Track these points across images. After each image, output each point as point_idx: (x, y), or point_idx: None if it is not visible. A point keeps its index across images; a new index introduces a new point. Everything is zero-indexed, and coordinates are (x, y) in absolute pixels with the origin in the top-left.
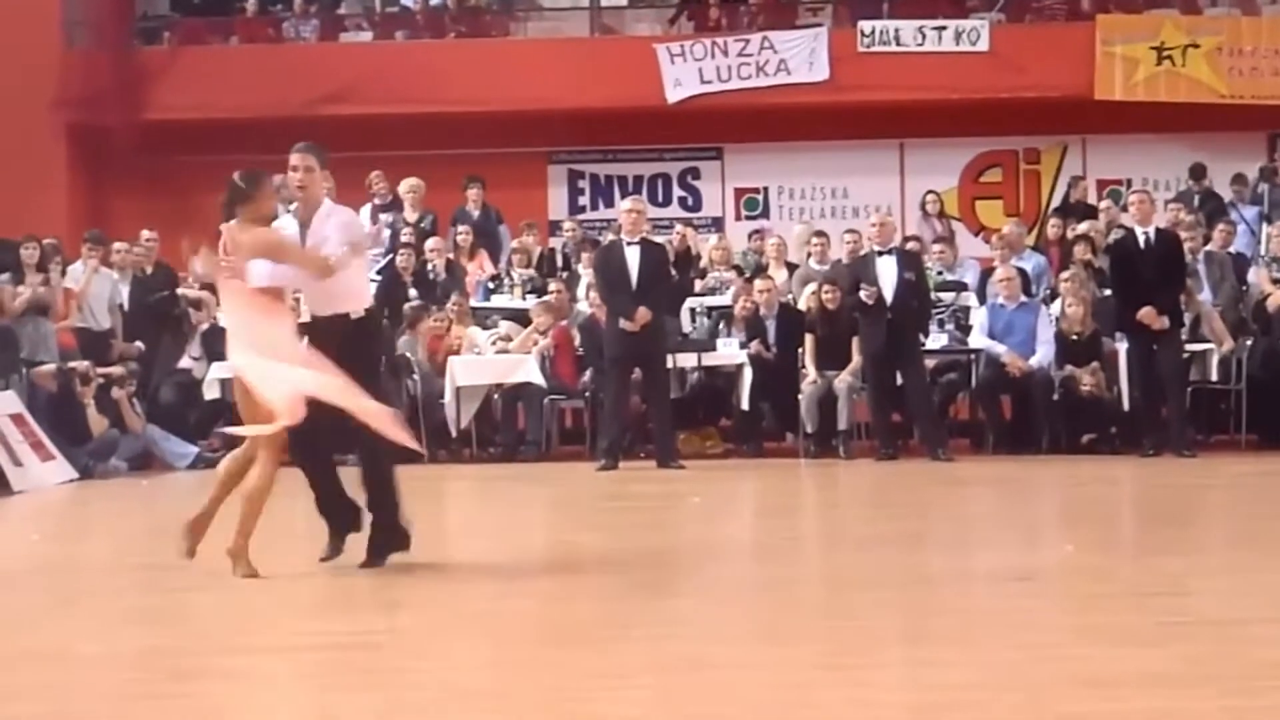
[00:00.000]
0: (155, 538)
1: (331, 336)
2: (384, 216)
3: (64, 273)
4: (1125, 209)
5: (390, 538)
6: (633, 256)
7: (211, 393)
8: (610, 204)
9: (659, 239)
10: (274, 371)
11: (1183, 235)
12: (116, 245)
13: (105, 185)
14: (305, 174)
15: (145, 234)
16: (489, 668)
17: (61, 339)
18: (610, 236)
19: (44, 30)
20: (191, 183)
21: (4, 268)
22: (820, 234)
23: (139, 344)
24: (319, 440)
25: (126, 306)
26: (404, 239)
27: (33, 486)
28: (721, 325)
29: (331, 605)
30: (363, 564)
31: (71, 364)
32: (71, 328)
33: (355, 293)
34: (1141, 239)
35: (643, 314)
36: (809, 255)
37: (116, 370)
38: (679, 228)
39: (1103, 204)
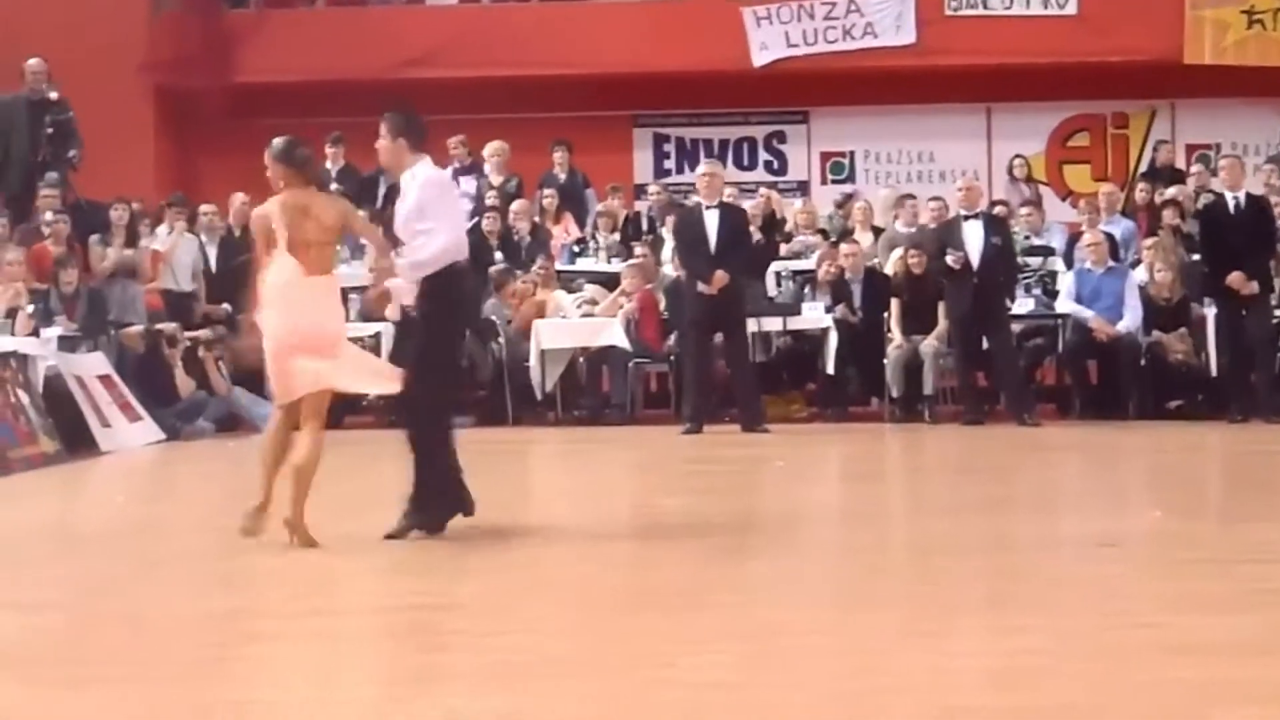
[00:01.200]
0: (239, 500)
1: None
2: (464, 180)
3: (152, 235)
4: (1215, 174)
5: (421, 513)
6: (711, 220)
7: None
8: (695, 167)
9: (745, 203)
10: (293, 360)
11: (1273, 200)
12: (203, 208)
13: (192, 148)
14: (378, 142)
15: (239, 197)
16: (570, 633)
17: (149, 301)
18: (695, 199)
19: None
20: None
21: (93, 229)
22: (909, 197)
23: (226, 306)
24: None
25: (214, 269)
26: (489, 202)
27: (120, 447)
28: (807, 289)
29: (410, 568)
30: (387, 534)
31: (159, 325)
32: (159, 290)
33: (428, 260)
34: (1231, 204)
35: (720, 277)
36: (895, 219)
37: (204, 333)
38: (763, 191)
39: (1193, 168)
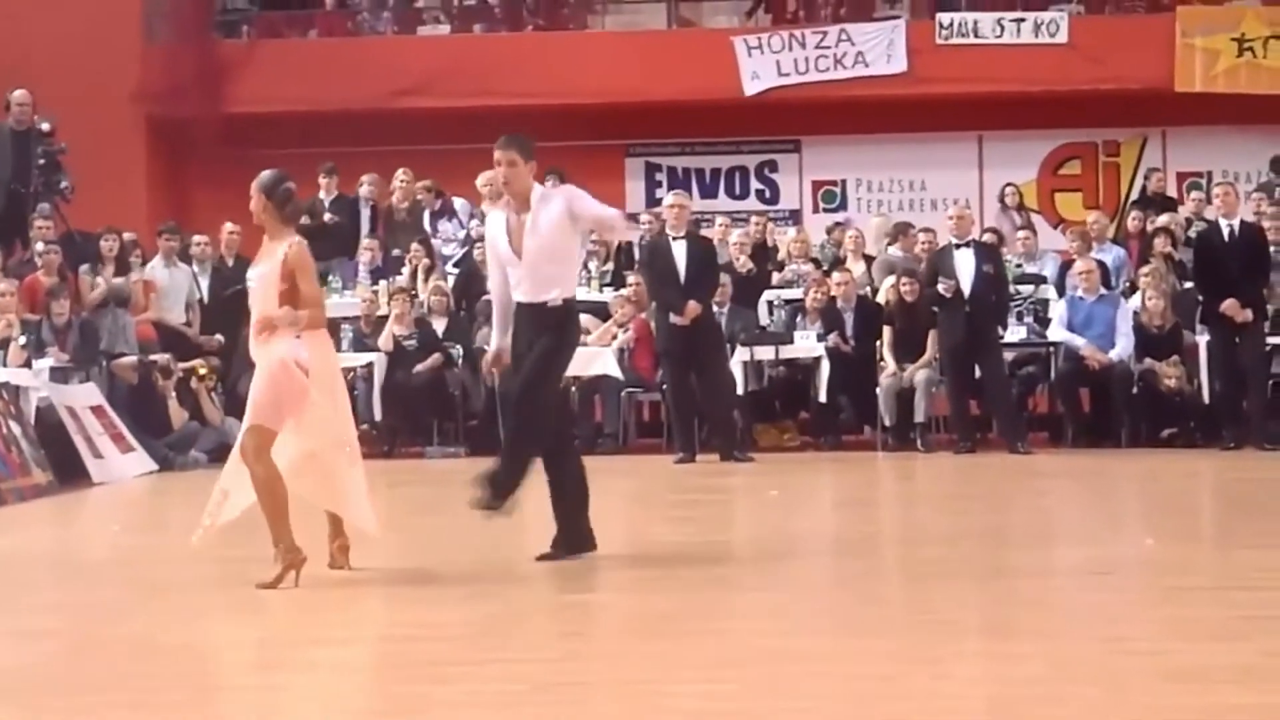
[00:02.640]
0: (234, 530)
1: (531, 321)
2: (440, 221)
3: (143, 265)
4: (1210, 201)
5: (579, 537)
6: (679, 251)
7: None
8: (688, 197)
9: (735, 232)
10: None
11: (1266, 227)
12: (196, 238)
13: (185, 178)
14: (508, 168)
15: (228, 226)
16: (569, 660)
17: (141, 331)
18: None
19: (124, 24)
20: None
21: (84, 259)
22: (909, 225)
23: (219, 337)
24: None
25: (206, 299)
26: (477, 233)
27: (113, 478)
28: (799, 318)
29: (410, 598)
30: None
31: (152, 356)
32: (151, 320)
33: (565, 284)
34: (1225, 231)
35: (692, 308)
36: (888, 246)
37: (197, 364)
38: (755, 220)
39: (1192, 195)
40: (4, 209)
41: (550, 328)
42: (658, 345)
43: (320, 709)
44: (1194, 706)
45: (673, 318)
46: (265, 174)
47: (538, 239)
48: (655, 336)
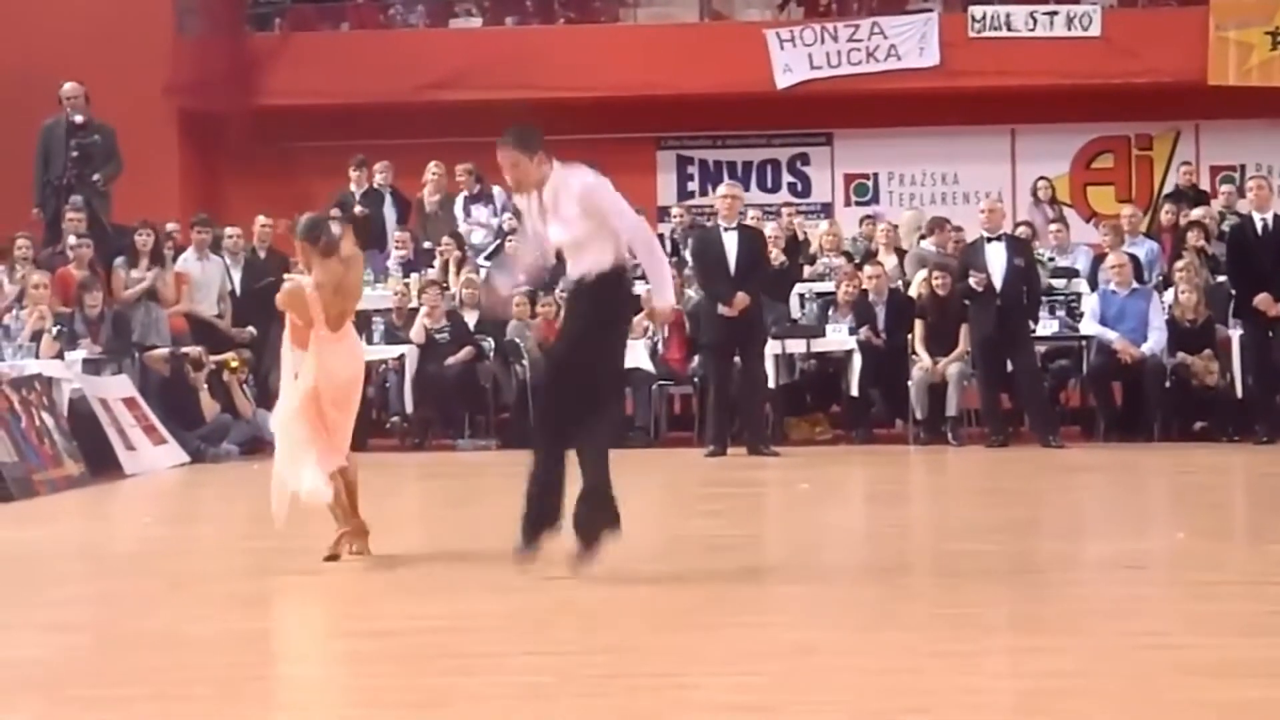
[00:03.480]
0: (264, 522)
1: (578, 294)
2: (475, 206)
3: (175, 258)
4: (1242, 194)
5: (599, 517)
6: (730, 242)
7: None
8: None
9: (768, 225)
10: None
11: None
12: (228, 230)
13: (217, 171)
14: (512, 169)
15: (261, 219)
16: (597, 653)
17: (173, 323)
18: (702, 223)
19: (156, 17)
20: (303, 168)
21: (118, 252)
22: (945, 221)
23: (250, 329)
24: (563, 428)
25: (238, 291)
26: (510, 225)
27: (145, 470)
28: (831, 311)
29: (436, 590)
30: (579, 553)
31: (184, 349)
32: (183, 312)
33: (592, 256)
34: (1259, 225)
35: (741, 299)
36: (921, 239)
37: (229, 356)
38: (785, 213)
39: (1223, 188)
40: (55, 205)
41: (585, 305)
42: (701, 336)
43: (347, 700)
44: (1223, 702)
45: (721, 308)
46: (302, 220)
47: (560, 221)
48: (701, 326)
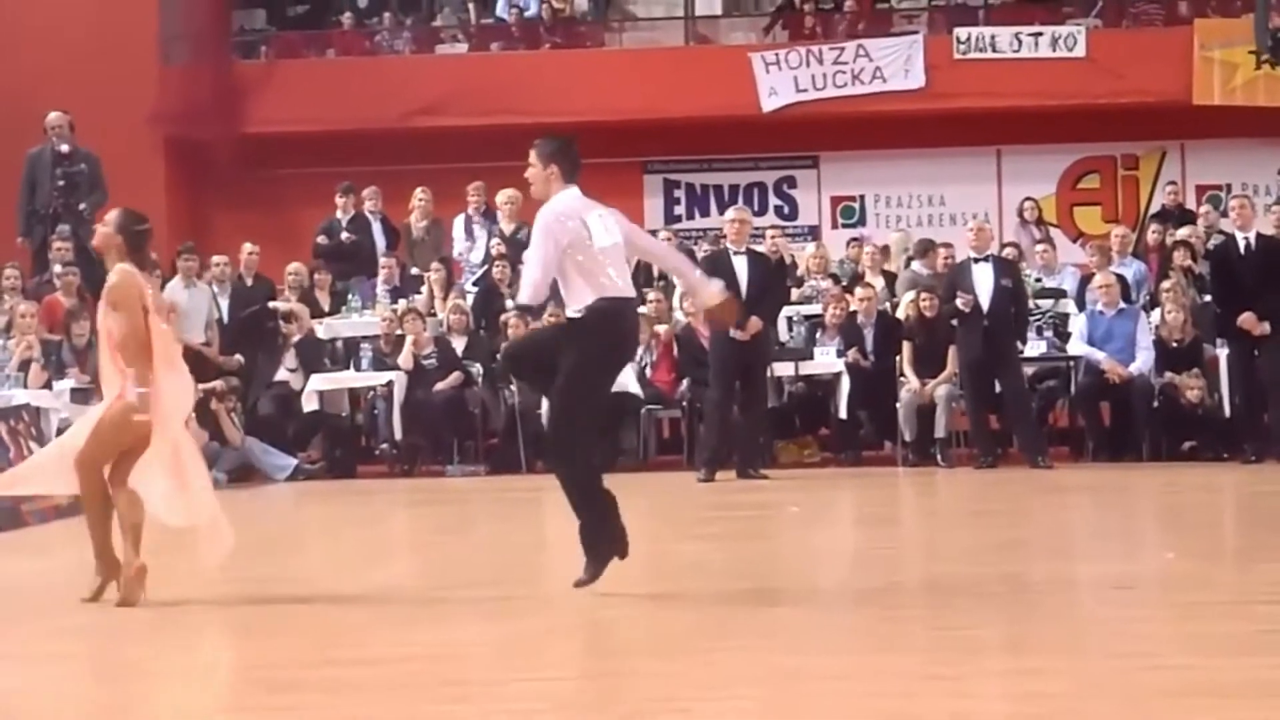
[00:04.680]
0: (253, 551)
1: (564, 332)
2: (479, 225)
3: (162, 287)
4: (1225, 214)
5: (597, 546)
6: (741, 266)
7: (309, 404)
8: (706, 213)
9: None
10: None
11: None
12: (215, 259)
13: (203, 199)
14: (528, 169)
15: (247, 247)
16: (588, 678)
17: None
18: (707, 247)
19: (141, 45)
20: (290, 196)
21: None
22: (939, 243)
23: (238, 357)
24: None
25: (225, 319)
26: (497, 251)
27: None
28: (818, 334)
29: (425, 617)
30: (577, 583)
31: None
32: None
33: (576, 292)
34: (1242, 244)
35: (754, 323)
36: (909, 262)
37: (218, 385)
38: (770, 235)
39: (1201, 209)
40: (45, 234)
41: (570, 341)
42: (710, 358)
43: None
44: None
45: (733, 332)
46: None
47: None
48: (714, 350)
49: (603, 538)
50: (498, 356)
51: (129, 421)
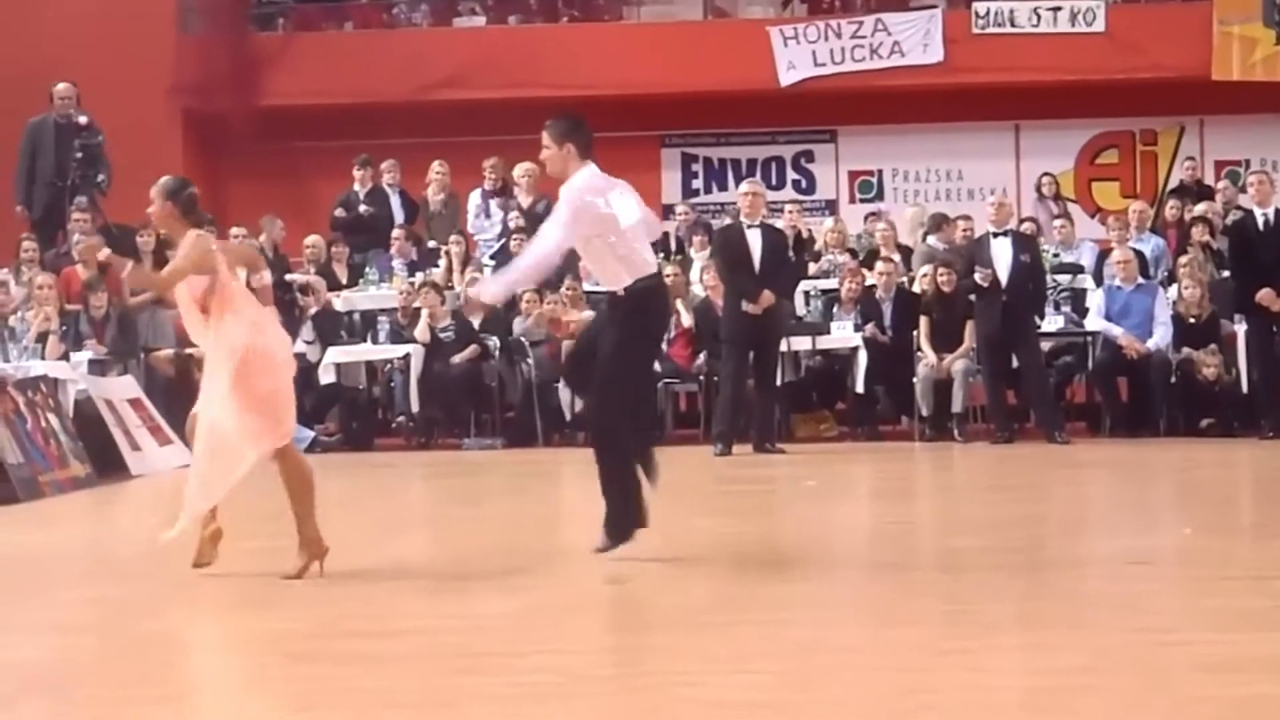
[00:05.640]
0: (271, 521)
1: (606, 308)
2: (495, 202)
3: None
4: (1243, 190)
5: (619, 520)
6: (754, 239)
7: (327, 377)
8: (724, 187)
9: (775, 222)
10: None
11: None
12: (233, 231)
13: (221, 171)
14: (542, 152)
15: (278, 223)
16: (604, 652)
17: (178, 324)
18: (726, 219)
19: (159, 17)
20: (307, 168)
21: (122, 254)
22: (958, 217)
23: None
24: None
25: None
26: (515, 224)
27: (150, 470)
28: (835, 308)
29: (441, 590)
30: (597, 548)
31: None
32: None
33: (612, 274)
34: (1260, 220)
35: (767, 296)
36: (924, 236)
37: None
38: (788, 210)
39: (1220, 184)
40: (47, 204)
41: (615, 319)
42: (723, 332)
43: (356, 701)
44: (1231, 697)
45: (745, 305)
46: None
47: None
48: (722, 322)
49: (626, 520)
50: (563, 362)
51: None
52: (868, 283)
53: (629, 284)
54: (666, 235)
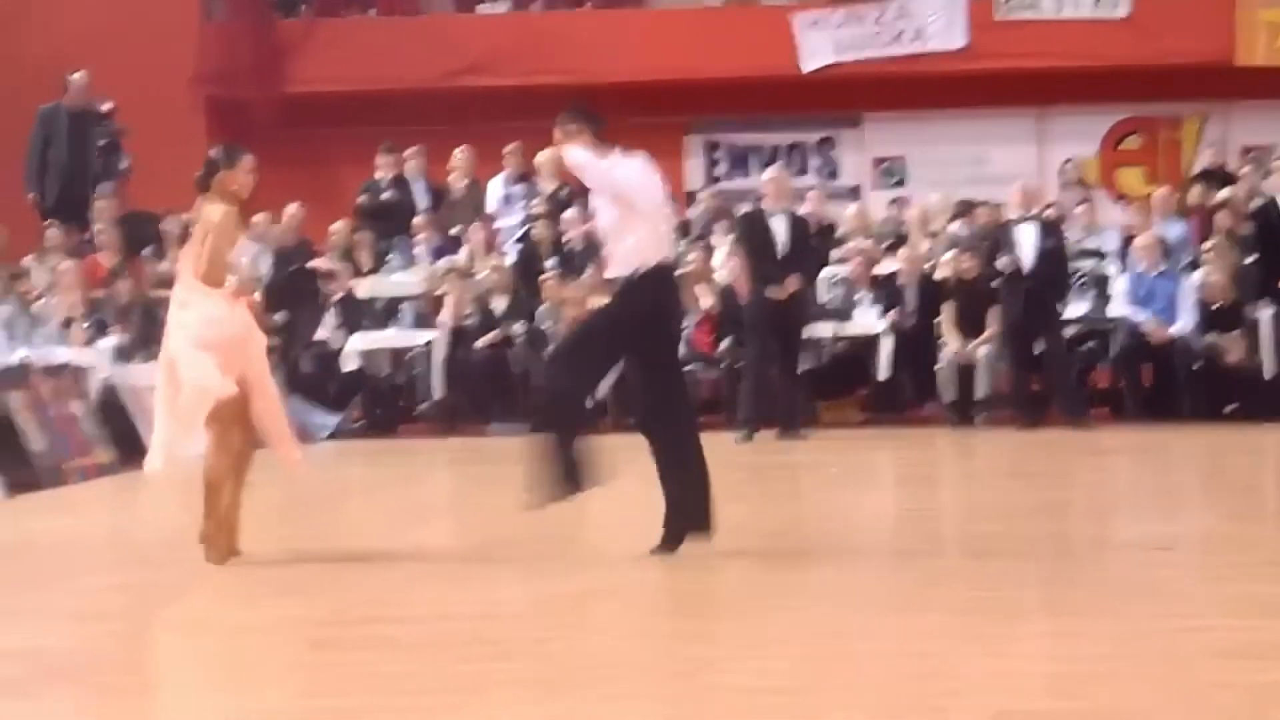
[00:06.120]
0: (295, 509)
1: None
2: (517, 189)
3: None
4: (1266, 175)
5: (684, 520)
6: (779, 225)
7: (350, 363)
8: (747, 174)
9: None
10: (191, 356)
11: None
12: (256, 218)
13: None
14: (559, 139)
15: (290, 208)
16: (628, 638)
17: None
18: (746, 206)
19: (182, 4)
20: (331, 155)
21: (146, 242)
22: (969, 203)
23: (280, 315)
24: (668, 420)
25: (267, 279)
26: (536, 210)
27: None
28: (859, 295)
29: (466, 576)
30: (656, 549)
31: None
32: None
33: (616, 260)
34: None
35: (791, 282)
36: (948, 222)
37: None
38: (811, 196)
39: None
40: (60, 191)
41: (625, 298)
42: (747, 318)
43: (378, 687)
44: (1255, 684)
45: (769, 291)
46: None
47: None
48: (750, 309)
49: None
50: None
51: None
52: (890, 269)
53: (626, 273)
54: (690, 222)
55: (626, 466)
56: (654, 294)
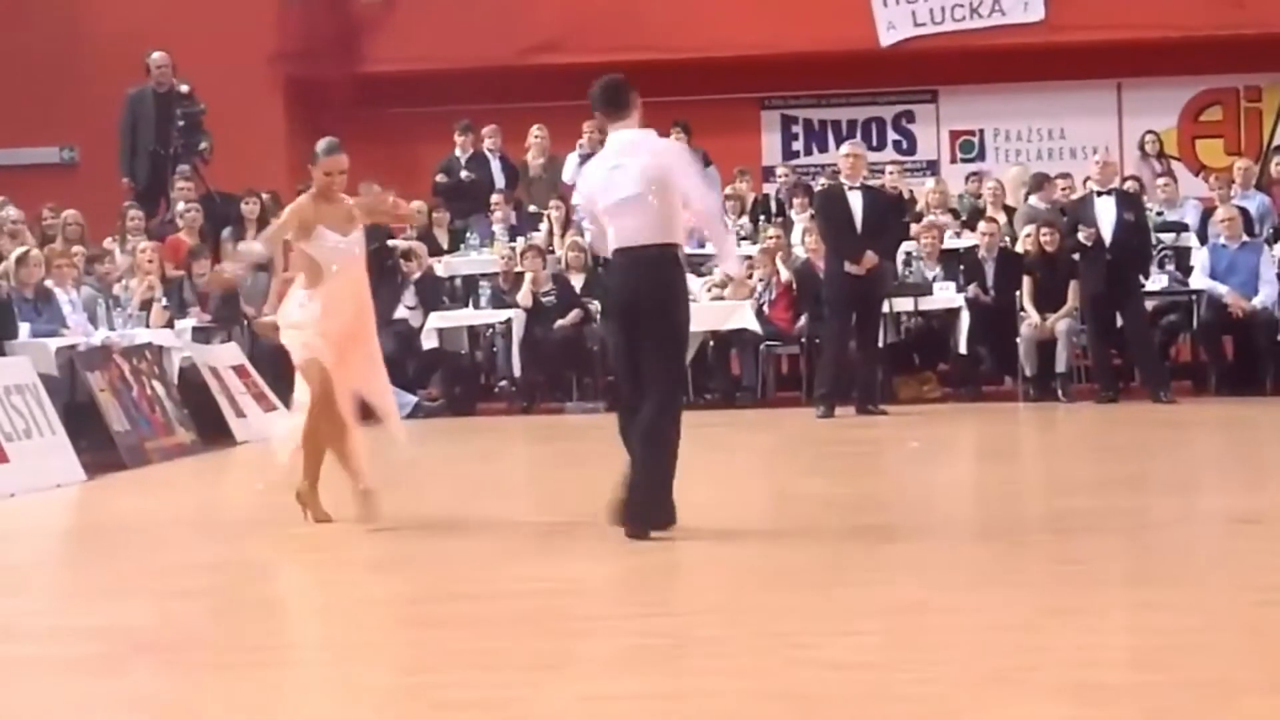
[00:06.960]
0: (376, 487)
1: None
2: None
3: None
4: None
5: (649, 508)
6: (855, 201)
7: (429, 342)
8: (824, 149)
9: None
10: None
11: None
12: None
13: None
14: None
15: (375, 188)
16: (712, 613)
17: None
18: (824, 181)
19: None
20: (407, 134)
21: (224, 220)
22: (1058, 176)
23: None
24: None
25: None
26: None
27: (256, 437)
28: (938, 269)
29: (547, 552)
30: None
31: None
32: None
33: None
34: None
35: (870, 258)
36: (1026, 195)
37: None
38: (889, 171)
39: None
40: (150, 174)
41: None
42: (825, 293)
43: (462, 663)
44: None
45: (848, 266)
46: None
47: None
48: (825, 284)
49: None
50: None
51: None
52: (969, 243)
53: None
54: (767, 197)
55: (700, 439)
56: (618, 280)
